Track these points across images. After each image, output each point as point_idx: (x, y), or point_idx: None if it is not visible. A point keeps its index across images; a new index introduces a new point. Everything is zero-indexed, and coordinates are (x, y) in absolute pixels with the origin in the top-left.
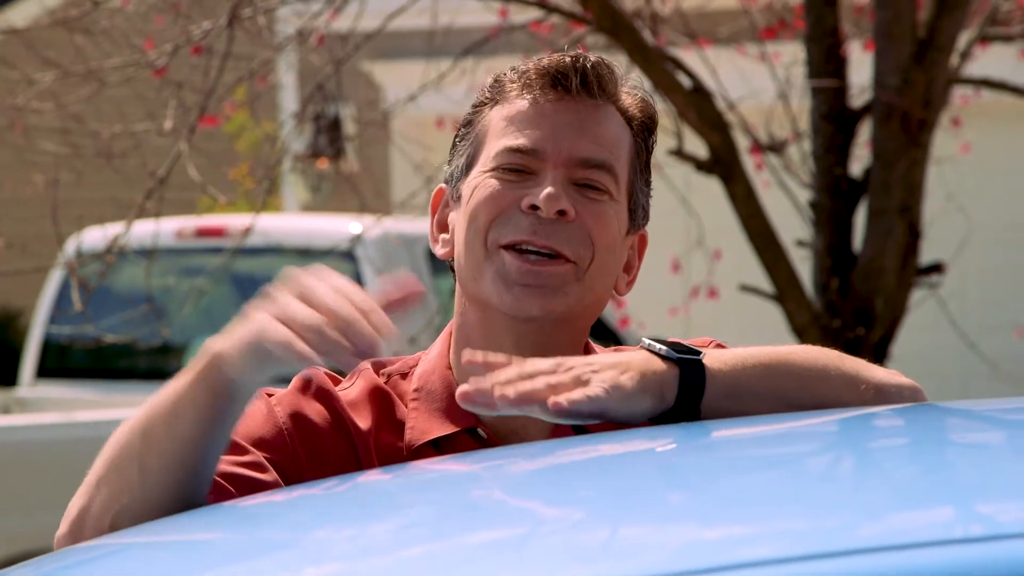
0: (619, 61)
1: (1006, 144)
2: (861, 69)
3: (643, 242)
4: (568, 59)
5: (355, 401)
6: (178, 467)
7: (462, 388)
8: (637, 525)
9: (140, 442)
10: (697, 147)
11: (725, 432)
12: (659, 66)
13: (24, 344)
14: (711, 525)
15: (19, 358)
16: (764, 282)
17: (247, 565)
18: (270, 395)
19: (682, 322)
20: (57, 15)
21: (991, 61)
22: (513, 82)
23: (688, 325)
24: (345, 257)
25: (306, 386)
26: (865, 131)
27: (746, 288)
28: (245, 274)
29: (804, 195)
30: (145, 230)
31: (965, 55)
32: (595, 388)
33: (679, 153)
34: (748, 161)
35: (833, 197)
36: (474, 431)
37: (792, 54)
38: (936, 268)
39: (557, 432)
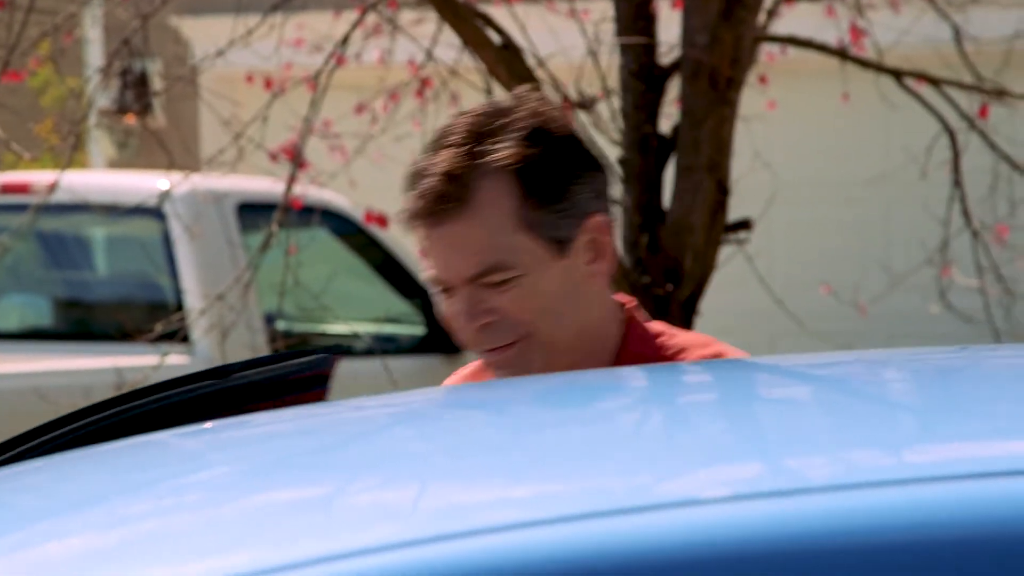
0: (429, 17)
1: (811, 101)
2: (670, 26)
3: (601, 227)
4: (424, 185)
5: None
6: None
7: None
8: (445, 483)
9: None
10: None
11: (531, 388)
12: (469, 22)
13: None
14: (519, 482)
15: None
16: None
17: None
18: None
19: None
20: None
21: (797, 19)
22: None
23: None
24: (153, 214)
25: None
26: (674, 89)
27: None
28: (51, 231)
29: (614, 152)
30: None
31: (772, 13)
32: None
33: None
34: None
35: (642, 154)
36: None
37: (601, 11)
38: (744, 225)
39: None
